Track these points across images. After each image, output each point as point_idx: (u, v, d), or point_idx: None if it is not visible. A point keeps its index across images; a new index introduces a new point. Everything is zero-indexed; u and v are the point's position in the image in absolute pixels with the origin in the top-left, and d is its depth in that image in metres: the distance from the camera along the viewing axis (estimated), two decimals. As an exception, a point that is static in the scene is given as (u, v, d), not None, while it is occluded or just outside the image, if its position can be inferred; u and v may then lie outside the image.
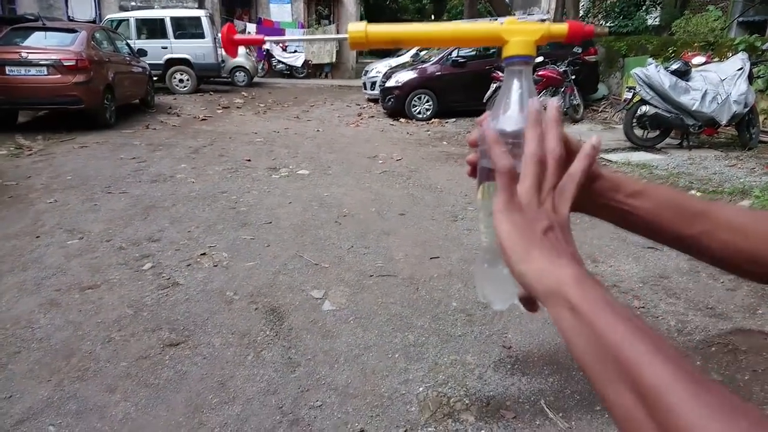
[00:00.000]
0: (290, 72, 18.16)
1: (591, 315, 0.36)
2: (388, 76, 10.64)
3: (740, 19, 12.11)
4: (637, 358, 0.33)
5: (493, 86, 8.90)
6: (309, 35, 17.90)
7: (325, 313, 2.80)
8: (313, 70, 18.50)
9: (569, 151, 0.52)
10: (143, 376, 2.26)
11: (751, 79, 6.62)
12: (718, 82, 6.54)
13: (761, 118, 7.47)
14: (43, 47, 7.66)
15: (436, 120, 9.89)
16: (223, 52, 13.96)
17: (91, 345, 2.49)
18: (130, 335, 2.57)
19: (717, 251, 0.55)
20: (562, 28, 0.55)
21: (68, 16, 16.08)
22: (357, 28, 0.55)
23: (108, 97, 8.24)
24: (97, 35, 8.63)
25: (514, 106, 0.52)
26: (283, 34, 18.14)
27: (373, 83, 12.15)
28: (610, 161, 6.42)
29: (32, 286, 3.05)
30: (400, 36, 0.57)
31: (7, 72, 7.30)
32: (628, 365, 0.33)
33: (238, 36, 0.59)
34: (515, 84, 0.53)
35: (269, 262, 3.44)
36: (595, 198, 0.56)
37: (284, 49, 18.19)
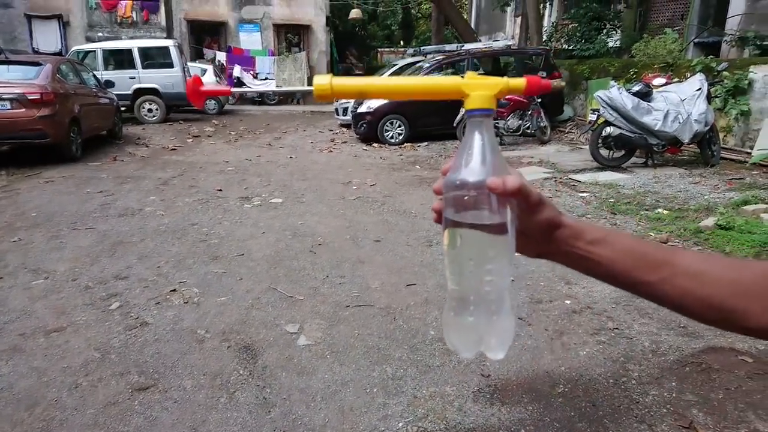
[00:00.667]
0: (261, 99, 18.17)
1: None
2: (360, 102, 10.73)
3: (696, 40, 12.61)
4: None
5: (463, 110, 9.01)
6: (278, 83, 18.02)
7: (301, 349, 2.75)
8: (284, 96, 18.55)
9: (531, 203, 0.54)
10: (112, 424, 2.17)
11: (709, 98, 6.86)
12: (679, 102, 6.76)
13: (721, 135, 7.73)
14: (7, 81, 7.51)
15: (409, 144, 9.98)
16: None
17: (56, 392, 2.38)
18: (97, 380, 2.48)
19: (676, 298, 0.57)
20: (520, 82, 0.57)
21: (33, 48, 15.85)
22: (322, 81, 0.57)
23: (74, 130, 8.10)
24: (63, 68, 8.51)
25: (476, 158, 0.53)
26: (254, 63, 18.21)
27: (345, 109, 12.22)
28: (579, 181, 6.54)
29: (-7, 332, 2.92)
30: (363, 89, 0.59)
31: (-31, 107, 7.12)
32: None
33: (204, 88, 0.59)
34: (477, 136, 0.54)
35: (242, 296, 3.37)
36: (558, 245, 0.57)
37: (255, 77, 18.22)
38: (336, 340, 2.83)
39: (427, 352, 2.71)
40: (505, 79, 0.56)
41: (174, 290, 3.45)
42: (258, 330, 2.94)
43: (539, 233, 0.57)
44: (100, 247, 4.30)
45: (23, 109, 7.31)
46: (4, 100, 7.28)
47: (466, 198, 0.52)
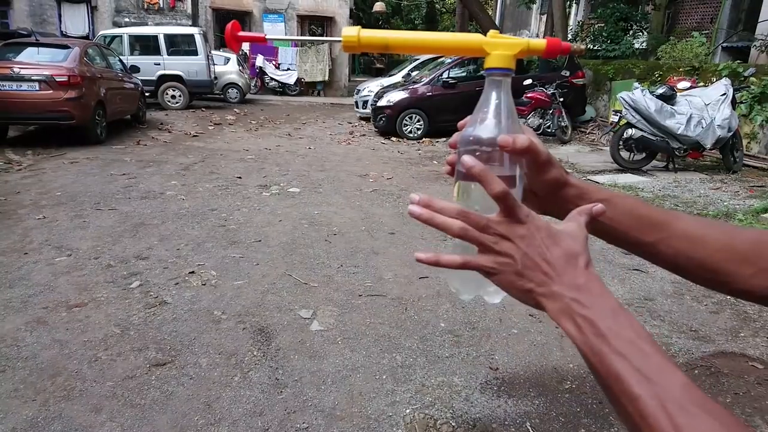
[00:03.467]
0: (283, 89, 18.26)
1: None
2: (380, 95, 10.76)
3: (724, 45, 12.40)
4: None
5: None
6: (305, 39, 18.08)
7: (313, 334, 2.81)
8: (305, 87, 18.62)
9: (539, 162, 0.56)
10: (129, 396, 2.26)
11: (734, 104, 6.77)
12: (703, 107, 6.68)
13: (744, 142, 7.62)
14: (36, 63, 7.68)
15: (427, 139, 9.99)
16: (216, 69, 14.07)
17: (77, 364, 2.47)
18: (116, 354, 2.56)
19: (670, 257, 0.61)
20: (540, 43, 0.58)
21: (61, 32, 16.12)
22: (350, 32, 0.58)
23: (99, 113, 8.25)
24: (90, 51, 8.66)
25: (491, 116, 0.55)
26: (276, 53, 18.30)
27: (365, 102, 12.25)
28: (598, 182, 6.50)
29: (19, 304, 3.03)
30: (389, 41, 0.59)
31: (-1, 87, 7.30)
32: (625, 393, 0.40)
33: (242, 33, 0.61)
34: (494, 94, 0.56)
35: (258, 281, 3.44)
36: (563, 204, 0.60)
37: (277, 67, 18.32)
38: (348, 327, 2.88)
39: (436, 343, 2.75)
40: (526, 39, 0.58)
41: (192, 272, 3.53)
42: (273, 314, 3.01)
43: (546, 191, 0.59)
44: (122, 227, 4.41)
45: (51, 91, 7.47)
46: (33, 81, 7.44)
47: (477, 153, 0.54)
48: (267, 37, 0.62)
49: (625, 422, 0.40)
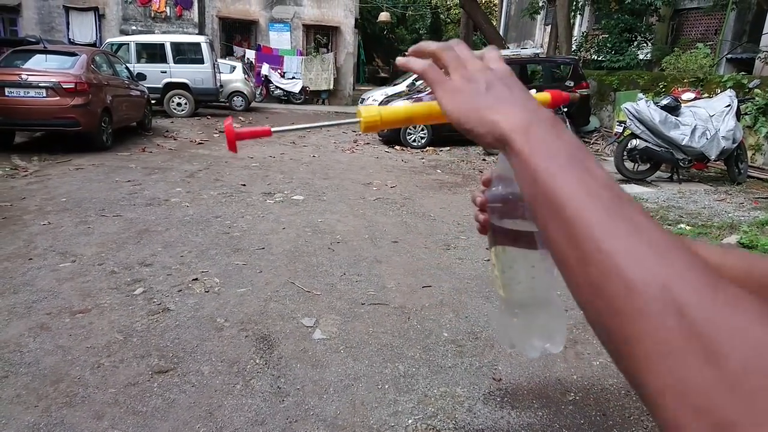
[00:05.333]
0: (288, 98, 18.35)
1: (530, 158, 0.37)
2: (384, 104, 10.81)
3: (728, 56, 12.42)
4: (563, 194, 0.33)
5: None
6: (304, 83, 18.20)
7: (316, 342, 2.81)
8: (310, 96, 18.71)
9: None
10: (131, 403, 2.25)
11: (738, 115, 6.77)
12: (707, 118, 6.68)
13: (749, 153, 7.61)
14: (43, 70, 7.75)
15: (431, 148, 10.01)
16: (222, 77, 14.16)
17: (80, 370, 2.47)
18: (119, 361, 2.56)
19: None
20: (545, 96, 0.60)
21: (69, 39, 16.26)
22: (371, 112, 0.55)
23: (105, 120, 8.30)
24: (97, 59, 8.73)
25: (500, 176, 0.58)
26: (282, 62, 18.41)
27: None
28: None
29: (23, 310, 3.04)
30: (412, 113, 0.58)
31: (6, 93, 7.36)
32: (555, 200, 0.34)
33: (241, 129, 0.55)
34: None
35: (261, 288, 3.44)
36: None
37: (282, 76, 18.42)
38: (350, 336, 2.88)
39: (439, 353, 2.74)
40: (533, 92, 0.59)
41: (196, 279, 3.54)
42: (275, 322, 3.00)
43: None
44: (127, 234, 4.42)
45: (58, 97, 7.53)
46: (40, 87, 7.50)
47: (509, 208, 0.56)
48: (273, 130, 0.58)
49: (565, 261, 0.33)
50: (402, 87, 13.37)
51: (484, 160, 8.95)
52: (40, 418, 2.14)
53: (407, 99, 10.55)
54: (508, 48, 16.05)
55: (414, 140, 10.15)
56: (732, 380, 0.24)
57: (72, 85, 7.57)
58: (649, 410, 0.27)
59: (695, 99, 7.40)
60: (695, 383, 0.24)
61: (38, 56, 8.18)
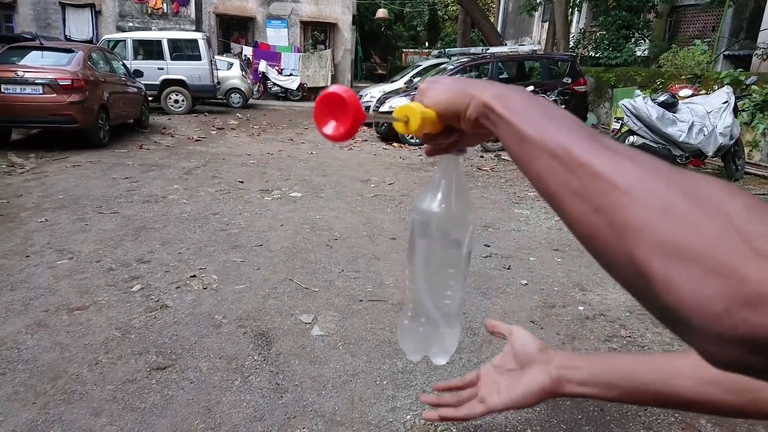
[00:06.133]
0: (285, 94, 18.33)
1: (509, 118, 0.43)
2: (381, 101, 10.79)
3: (726, 53, 12.43)
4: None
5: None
6: (302, 80, 18.12)
7: (314, 339, 2.81)
8: (308, 93, 18.69)
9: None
10: (129, 400, 2.25)
11: (736, 112, 6.78)
12: (704, 115, 6.69)
13: (746, 150, 7.63)
14: (40, 66, 7.72)
15: (429, 145, 10.01)
16: (219, 74, 14.10)
17: (77, 367, 2.47)
18: (117, 358, 2.56)
19: (671, 401, 0.64)
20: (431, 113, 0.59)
21: (66, 36, 16.21)
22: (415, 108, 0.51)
23: (102, 117, 8.28)
24: (94, 55, 8.70)
25: (441, 193, 0.58)
26: (279, 58, 18.38)
27: (367, 108, 12.24)
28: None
29: (20, 307, 3.03)
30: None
31: (3, 90, 7.34)
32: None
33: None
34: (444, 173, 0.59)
35: (259, 285, 3.44)
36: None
37: (280, 72, 18.39)
38: (349, 332, 2.88)
39: (438, 349, 2.74)
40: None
41: (194, 276, 3.53)
42: (273, 318, 3.00)
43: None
44: (124, 231, 4.41)
45: (54, 94, 7.50)
46: (36, 84, 7.47)
47: (434, 228, 0.57)
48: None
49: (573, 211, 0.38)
50: (400, 84, 13.36)
51: (481, 156, 8.95)
52: (38, 415, 2.14)
53: (405, 96, 10.54)
54: (506, 44, 16.04)
55: (412, 137, 10.14)
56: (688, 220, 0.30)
57: (69, 82, 7.55)
58: (641, 280, 0.32)
59: (692, 95, 7.41)
60: (677, 236, 0.30)
61: (34, 53, 8.15)
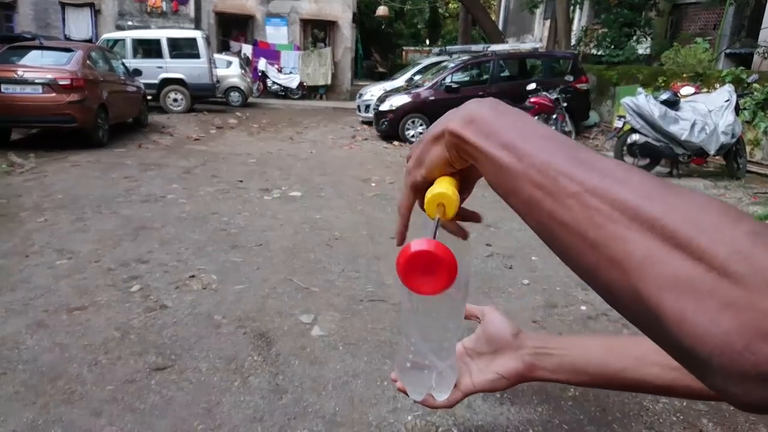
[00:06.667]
0: (285, 93, 18.30)
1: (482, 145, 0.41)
2: (382, 99, 10.77)
3: (727, 51, 12.40)
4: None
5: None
6: (302, 78, 18.09)
7: (314, 339, 2.80)
8: (308, 91, 18.66)
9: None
10: (129, 400, 2.24)
11: (737, 110, 6.76)
12: (706, 113, 6.67)
13: (748, 148, 7.60)
14: (39, 66, 7.71)
15: (429, 144, 9.97)
16: (218, 73, 14.10)
17: (77, 368, 2.46)
18: (116, 358, 2.55)
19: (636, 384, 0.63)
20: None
21: (65, 35, 16.18)
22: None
23: (101, 116, 8.27)
24: (93, 55, 8.69)
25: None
26: (279, 57, 18.34)
27: (368, 106, 12.27)
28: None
29: (20, 307, 3.02)
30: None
31: (2, 90, 7.34)
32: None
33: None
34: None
35: (259, 285, 3.43)
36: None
37: (279, 71, 18.36)
38: (349, 333, 2.87)
39: (438, 349, 2.73)
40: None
41: (193, 276, 3.52)
42: (273, 318, 2.99)
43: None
44: (123, 231, 4.40)
45: (54, 94, 7.49)
46: (36, 84, 7.46)
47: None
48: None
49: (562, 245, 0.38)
50: (400, 82, 13.34)
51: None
52: (39, 414, 2.13)
53: (406, 94, 10.52)
54: (507, 42, 16.01)
55: (412, 135, 10.13)
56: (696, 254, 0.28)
57: (68, 82, 7.53)
58: (651, 317, 0.30)
59: (694, 94, 7.38)
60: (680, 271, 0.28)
61: (34, 52, 8.14)
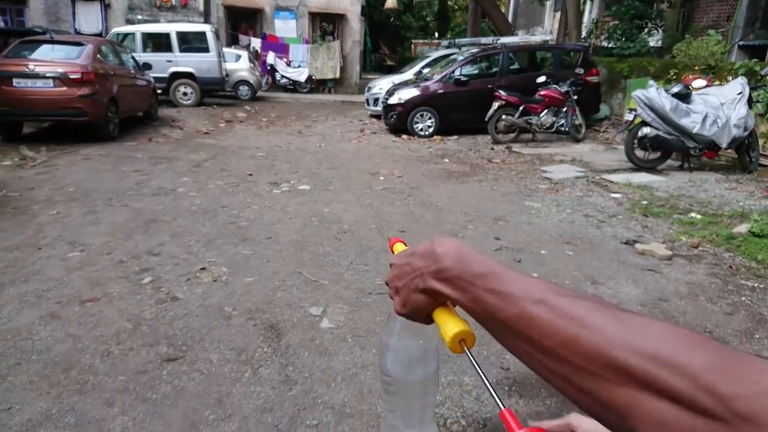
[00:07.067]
0: (294, 87, 18.30)
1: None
2: (390, 92, 10.74)
3: (741, 43, 12.24)
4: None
5: (496, 105, 8.97)
6: (311, 71, 18.06)
7: (323, 331, 2.81)
8: (316, 85, 18.65)
9: None
10: (141, 390, 2.27)
11: (750, 103, 6.67)
12: (719, 106, 6.59)
13: (761, 141, 7.51)
14: (50, 60, 7.77)
15: (438, 137, 9.95)
16: (227, 66, 14.12)
17: (90, 358, 2.49)
18: (128, 349, 2.58)
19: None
20: None
21: (75, 29, 16.26)
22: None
23: (112, 110, 8.32)
24: (103, 48, 8.73)
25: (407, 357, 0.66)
26: (287, 50, 18.33)
27: (376, 99, 12.24)
28: (612, 182, 6.45)
29: (33, 298, 3.06)
30: None
31: (14, 84, 7.40)
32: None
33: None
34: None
35: (268, 278, 3.45)
36: None
37: (288, 64, 18.36)
38: (358, 325, 2.88)
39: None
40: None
41: (204, 268, 3.55)
42: (283, 311, 3.01)
43: None
44: (134, 223, 4.44)
45: (64, 88, 7.54)
46: (47, 78, 7.52)
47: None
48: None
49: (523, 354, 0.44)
50: (409, 75, 13.29)
51: (492, 148, 8.90)
52: (53, 404, 2.16)
53: (414, 87, 10.48)
54: (517, 34, 15.89)
55: (421, 129, 10.09)
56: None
57: (78, 75, 7.58)
58: None
59: (707, 86, 7.29)
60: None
61: (45, 46, 8.20)
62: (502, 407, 0.43)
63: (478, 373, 0.49)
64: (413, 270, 0.53)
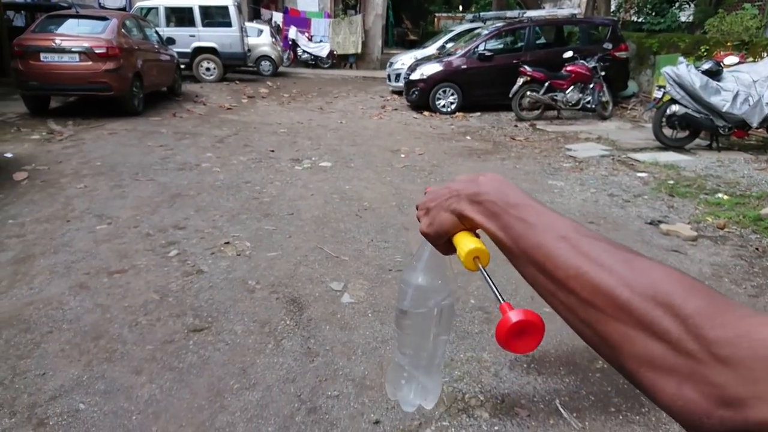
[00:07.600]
0: (315, 62, 18.20)
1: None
2: (413, 68, 10.60)
3: (777, 17, 11.75)
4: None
5: (520, 81, 8.81)
6: (332, 46, 17.87)
7: (344, 306, 2.85)
8: (338, 60, 18.52)
9: None
10: (168, 359, 2.34)
11: (785, 80, 6.44)
12: (751, 84, 6.38)
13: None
14: (76, 35, 7.84)
15: (461, 114, 9.84)
16: (249, 41, 14.07)
17: (118, 328, 2.58)
18: (155, 320, 2.66)
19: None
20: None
21: (100, 4, 16.33)
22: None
23: (136, 85, 8.40)
24: (128, 23, 8.78)
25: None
26: (309, 24, 18.19)
27: (398, 75, 12.11)
28: (638, 161, 6.33)
29: (63, 269, 3.16)
30: None
31: (42, 58, 7.50)
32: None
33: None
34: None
35: (291, 253, 3.50)
36: None
37: (310, 39, 18.24)
38: (378, 301, 2.92)
39: (466, 319, 2.76)
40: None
41: (228, 242, 3.61)
42: (305, 285, 3.06)
43: None
44: (160, 197, 4.52)
45: (90, 62, 7.63)
46: (73, 52, 7.61)
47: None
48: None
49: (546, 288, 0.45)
50: (432, 50, 13.10)
51: (515, 126, 8.78)
52: (83, 371, 2.24)
53: (437, 62, 10.34)
54: (544, 8, 15.49)
55: (443, 106, 9.99)
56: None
57: (104, 50, 7.65)
58: (641, 388, 0.37)
59: (739, 63, 7.06)
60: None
61: (70, 21, 8.26)
62: (501, 301, 0.47)
63: (485, 279, 0.52)
64: (450, 192, 0.56)
